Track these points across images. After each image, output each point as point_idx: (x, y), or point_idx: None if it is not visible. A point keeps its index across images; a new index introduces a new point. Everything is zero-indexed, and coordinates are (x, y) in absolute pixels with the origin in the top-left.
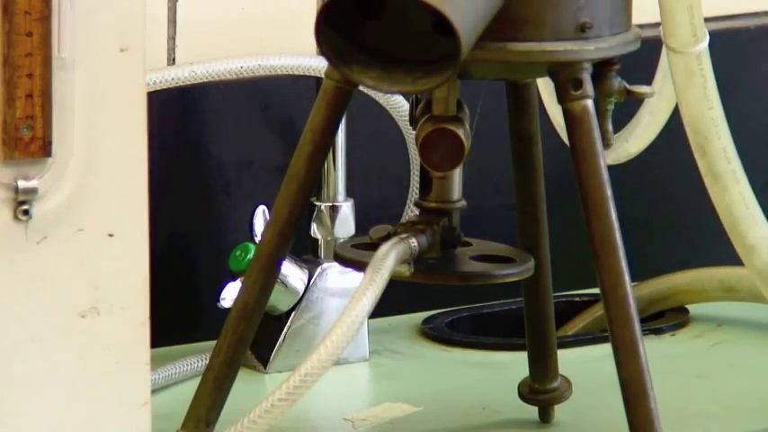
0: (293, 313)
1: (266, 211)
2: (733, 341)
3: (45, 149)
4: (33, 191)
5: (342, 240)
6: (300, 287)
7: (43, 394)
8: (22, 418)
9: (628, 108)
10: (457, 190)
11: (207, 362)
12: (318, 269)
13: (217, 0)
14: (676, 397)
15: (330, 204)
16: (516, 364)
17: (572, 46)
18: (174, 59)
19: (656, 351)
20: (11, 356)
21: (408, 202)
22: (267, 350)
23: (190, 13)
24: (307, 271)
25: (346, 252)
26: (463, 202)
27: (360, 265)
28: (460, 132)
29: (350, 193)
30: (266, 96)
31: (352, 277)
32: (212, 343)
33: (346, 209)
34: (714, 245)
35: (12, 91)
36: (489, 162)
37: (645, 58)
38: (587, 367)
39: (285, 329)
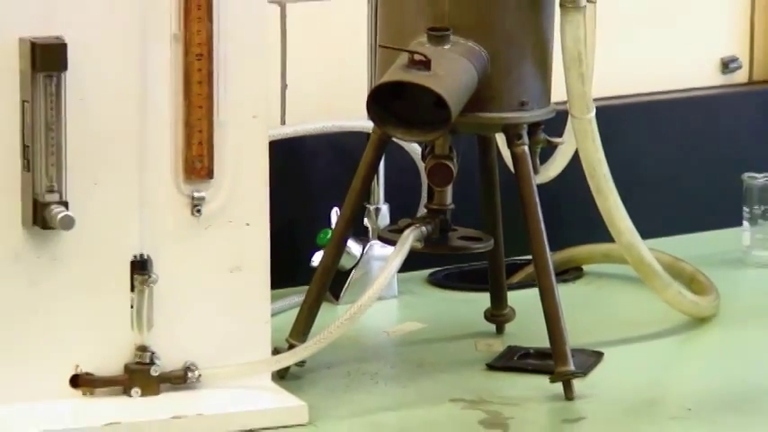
0: (353, 270)
1: (338, 210)
2: (608, 286)
3: (209, 174)
4: (202, 198)
5: (382, 227)
6: (358, 254)
7: (209, 318)
8: (192, 332)
9: (549, 151)
10: (449, 198)
11: (303, 298)
12: (368, 244)
13: (310, 81)
14: (576, 319)
15: (375, 206)
16: (483, 299)
17: (516, 115)
18: (284, 120)
19: (563, 292)
20: (189, 295)
21: (420, 205)
22: (339, 290)
23: (295, 88)
24: (361, 245)
25: (385, 234)
26: (452, 205)
27: (392, 242)
28: (451, 164)
29: (387, 199)
30: (339, 142)
31: (388, 249)
32: (306, 287)
33: (385, 209)
34: (599, 231)
35: (190, 141)
36: (467, 183)
37: (559, 120)
38: (525, 302)
39: (349, 279)
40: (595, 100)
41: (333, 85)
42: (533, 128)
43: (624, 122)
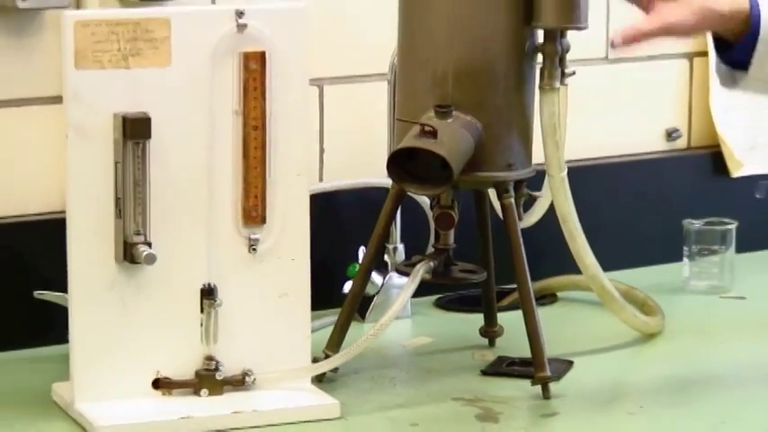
0: (376, 295)
1: (364, 248)
2: (577, 309)
3: (263, 221)
4: (257, 239)
5: (398, 262)
6: (380, 283)
7: (263, 333)
8: (248, 345)
9: (530, 202)
10: (451, 239)
11: (337, 317)
12: (388, 275)
13: (343, 147)
14: (552, 334)
15: (393, 246)
16: (478, 319)
17: (505, 174)
18: (322, 178)
19: (542, 313)
20: (246, 316)
21: (429, 244)
22: (365, 311)
23: (330, 152)
24: (382, 276)
25: (401, 267)
26: (454, 245)
27: (407, 274)
28: (453, 213)
29: (402, 240)
30: (365, 195)
31: (404, 279)
32: (339, 309)
33: (401, 248)
34: (570, 265)
35: (247, 194)
36: (466, 227)
37: (538, 178)
38: (512, 321)
39: (373, 302)
40: (567, 162)
41: (360, 149)
42: (518, 184)
43: (589, 180)
